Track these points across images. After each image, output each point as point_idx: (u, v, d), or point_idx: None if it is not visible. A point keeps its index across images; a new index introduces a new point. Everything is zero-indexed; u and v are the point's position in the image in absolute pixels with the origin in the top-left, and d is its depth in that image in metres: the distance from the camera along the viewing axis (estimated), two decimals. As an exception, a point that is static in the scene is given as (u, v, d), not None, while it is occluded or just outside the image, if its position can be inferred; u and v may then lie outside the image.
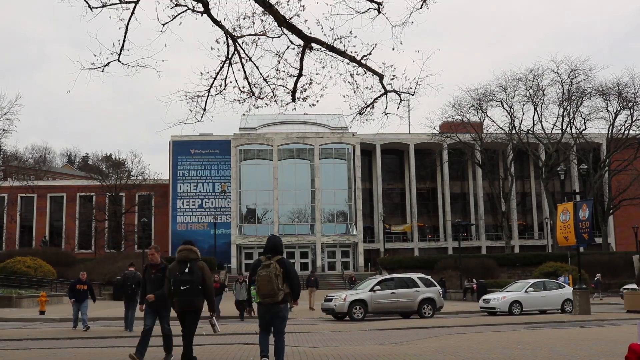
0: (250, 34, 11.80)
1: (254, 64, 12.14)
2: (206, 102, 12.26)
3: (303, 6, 11.24)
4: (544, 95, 58.33)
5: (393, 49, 11.44)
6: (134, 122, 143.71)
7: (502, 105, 59.51)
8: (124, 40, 11.34)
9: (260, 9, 11.42)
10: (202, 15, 11.35)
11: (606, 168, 59.84)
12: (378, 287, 24.56)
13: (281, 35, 11.70)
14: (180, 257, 9.27)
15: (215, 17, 11.44)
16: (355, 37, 11.58)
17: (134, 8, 11.10)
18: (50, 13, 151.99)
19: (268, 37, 11.76)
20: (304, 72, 11.99)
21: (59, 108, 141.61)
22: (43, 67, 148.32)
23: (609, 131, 59.00)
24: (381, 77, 12.06)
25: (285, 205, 61.67)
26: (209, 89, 12.20)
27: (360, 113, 12.47)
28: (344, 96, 12.29)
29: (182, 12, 11.29)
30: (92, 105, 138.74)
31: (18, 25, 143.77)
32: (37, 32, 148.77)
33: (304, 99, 12.16)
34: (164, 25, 11.38)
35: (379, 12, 11.45)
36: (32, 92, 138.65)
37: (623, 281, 41.29)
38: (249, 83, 12.22)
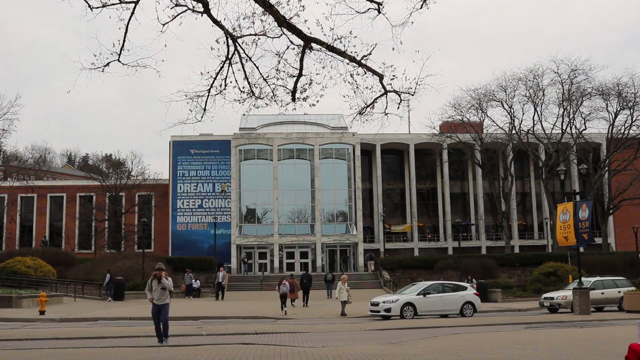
0: (250, 34, 11.80)
1: (254, 64, 12.15)
2: (206, 102, 12.27)
3: (303, 6, 11.25)
4: (544, 95, 58.30)
5: (393, 49, 11.45)
6: (139, 125, 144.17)
7: (502, 105, 59.48)
8: (124, 40, 11.35)
9: (260, 9, 11.42)
10: (202, 15, 11.35)
11: (606, 168, 59.80)
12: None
13: (281, 35, 11.70)
14: None
15: (215, 17, 11.45)
16: (355, 37, 11.58)
17: (134, 8, 11.11)
18: (63, 20, 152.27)
19: (268, 37, 11.77)
20: (304, 72, 11.99)
21: (68, 111, 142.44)
22: (56, 72, 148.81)
23: (609, 131, 58.97)
24: (381, 77, 12.06)
25: (285, 205, 61.63)
26: (209, 89, 12.21)
27: (361, 113, 12.48)
28: (344, 96, 12.30)
29: (182, 12, 11.30)
30: (102, 108, 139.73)
31: (36, 32, 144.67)
32: (59, 40, 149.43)
33: (304, 99, 12.16)
34: (164, 25, 11.39)
35: (379, 12, 11.46)
36: (46, 96, 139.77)
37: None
38: (249, 83, 12.23)
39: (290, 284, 31.32)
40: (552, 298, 28.80)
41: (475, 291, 27.57)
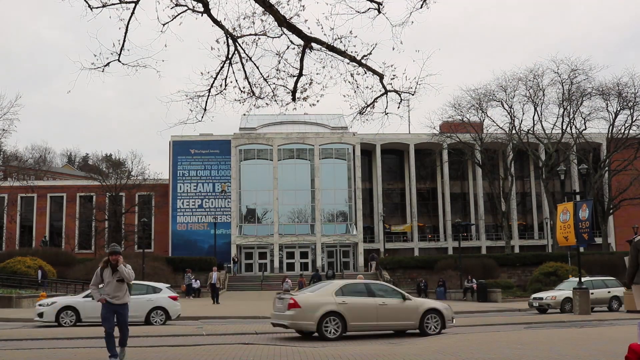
0: (250, 34, 11.80)
1: (254, 64, 12.15)
2: (207, 102, 12.27)
3: (303, 6, 11.25)
4: (544, 95, 58.33)
5: (393, 49, 11.46)
6: (139, 125, 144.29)
7: (502, 105, 59.51)
8: (124, 40, 11.35)
9: (260, 9, 11.42)
10: (202, 15, 11.35)
11: (606, 168, 59.80)
12: None
13: (281, 35, 11.70)
14: None
15: (215, 17, 11.45)
16: (356, 37, 11.58)
17: (134, 8, 11.11)
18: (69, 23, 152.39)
19: (268, 37, 11.77)
20: (304, 72, 11.99)
21: (68, 111, 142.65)
22: (56, 72, 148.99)
23: (609, 131, 58.97)
24: (381, 76, 12.06)
25: (285, 205, 61.63)
26: (210, 89, 12.21)
27: (361, 113, 12.48)
28: (344, 96, 12.30)
29: (182, 12, 11.30)
30: (102, 108, 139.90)
31: (38, 33, 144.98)
32: (59, 40, 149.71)
33: (304, 99, 12.16)
34: (164, 25, 11.39)
35: (379, 12, 11.46)
36: (46, 96, 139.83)
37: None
38: (249, 83, 12.23)
39: (299, 282, 32.22)
40: (541, 298, 28.68)
41: (172, 294, 23.10)
